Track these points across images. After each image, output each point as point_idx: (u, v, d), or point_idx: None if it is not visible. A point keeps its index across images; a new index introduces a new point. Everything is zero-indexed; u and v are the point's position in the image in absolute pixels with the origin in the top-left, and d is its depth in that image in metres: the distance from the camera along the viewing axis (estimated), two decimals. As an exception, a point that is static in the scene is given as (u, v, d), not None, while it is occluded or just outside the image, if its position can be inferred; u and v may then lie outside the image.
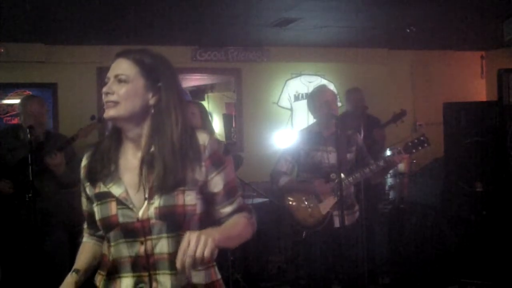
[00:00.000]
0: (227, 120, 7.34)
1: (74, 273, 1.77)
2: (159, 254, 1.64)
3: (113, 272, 1.70)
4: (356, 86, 5.33)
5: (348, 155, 3.65)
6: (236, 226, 1.72)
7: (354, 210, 3.69)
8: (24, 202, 3.67)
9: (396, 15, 4.87)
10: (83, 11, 4.35)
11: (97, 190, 1.70)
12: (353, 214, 3.66)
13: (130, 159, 1.72)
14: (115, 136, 1.74)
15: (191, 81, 7.60)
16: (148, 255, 1.64)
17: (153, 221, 1.63)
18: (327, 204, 3.57)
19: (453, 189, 4.96)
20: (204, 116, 3.85)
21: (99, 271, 1.79)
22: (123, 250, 1.66)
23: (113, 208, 1.66)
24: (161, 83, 1.69)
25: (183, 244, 1.48)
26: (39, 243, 3.63)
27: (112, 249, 1.69)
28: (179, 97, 1.73)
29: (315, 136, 3.69)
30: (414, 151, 3.60)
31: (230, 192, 1.74)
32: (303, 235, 3.65)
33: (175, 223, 1.63)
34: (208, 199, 1.72)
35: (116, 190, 1.67)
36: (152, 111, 1.68)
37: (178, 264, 1.47)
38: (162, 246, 1.64)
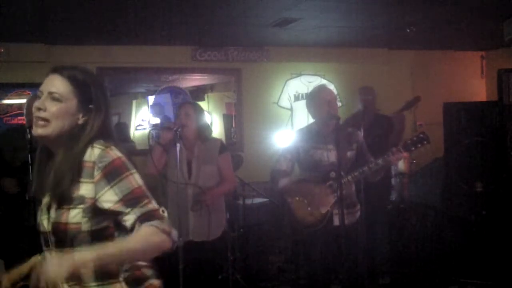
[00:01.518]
0: (227, 120, 7.35)
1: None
2: None
3: None
4: (367, 85, 5.26)
5: (349, 153, 3.64)
6: (132, 240, 1.61)
7: (355, 209, 3.68)
8: (28, 202, 3.67)
9: (396, 15, 4.87)
10: (83, 11, 4.35)
11: (38, 197, 1.80)
12: (353, 213, 3.65)
13: None
14: (44, 151, 1.78)
15: (191, 81, 7.61)
16: None
17: (50, 234, 1.71)
18: (327, 203, 3.56)
19: (453, 189, 4.97)
20: (199, 116, 3.87)
21: None
22: (45, 256, 1.77)
23: (38, 216, 1.77)
24: (92, 104, 1.72)
25: (34, 276, 1.57)
26: (38, 243, 3.63)
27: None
28: (105, 116, 1.75)
29: (314, 135, 3.69)
30: (413, 148, 3.58)
31: (129, 202, 1.65)
32: (303, 234, 3.65)
33: (60, 239, 1.67)
34: (105, 214, 1.67)
35: (44, 199, 1.75)
36: (76, 130, 1.71)
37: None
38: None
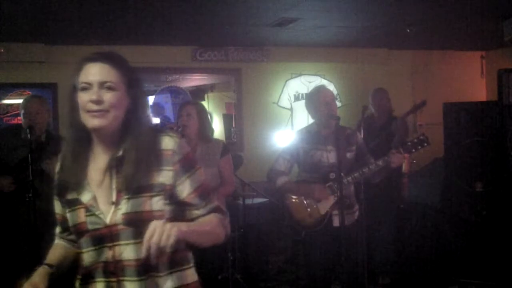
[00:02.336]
0: (227, 120, 7.35)
1: (46, 266, 1.77)
2: (126, 260, 1.63)
3: (88, 277, 1.71)
4: (380, 87, 5.26)
5: (348, 154, 3.64)
6: (206, 224, 1.71)
7: (354, 210, 3.68)
8: (23, 202, 3.67)
9: (396, 15, 4.87)
10: (83, 11, 4.35)
11: (68, 197, 1.71)
12: (352, 214, 3.65)
13: (99, 164, 1.70)
14: (85, 140, 1.71)
15: (191, 81, 7.61)
16: (116, 260, 1.64)
17: (120, 227, 1.63)
18: (326, 204, 3.56)
19: (453, 189, 4.96)
20: (203, 116, 3.85)
21: (77, 275, 1.78)
22: (94, 256, 1.67)
23: (81, 215, 1.67)
24: (134, 88, 1.70)
25: (148, 232, 1.49)
26: (37, 242, 3.63)
27: (84, 255, 1.70)
28: (145, 98, 1.80)
29: (314, 135, 3.69)
30: (413, 150, 3.59)
31: (201, 195, 1.72)
32: (303, 234, 3.65)
33: (142, 229, 1.56)
34: (178, 203, 1.70)
35: (84, 196, 1.67)
36: (129, 116, 1.69)
37: (144, 252, 1.49)
38: (130, 252, 1.63)
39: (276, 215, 5.26)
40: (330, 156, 3.61)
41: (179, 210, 1.70)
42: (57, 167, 1.78)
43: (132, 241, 1.63)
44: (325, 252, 3.64)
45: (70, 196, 1.70)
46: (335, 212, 3.54)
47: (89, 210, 1.66)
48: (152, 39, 5.61)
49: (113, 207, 1.64)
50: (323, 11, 4.65)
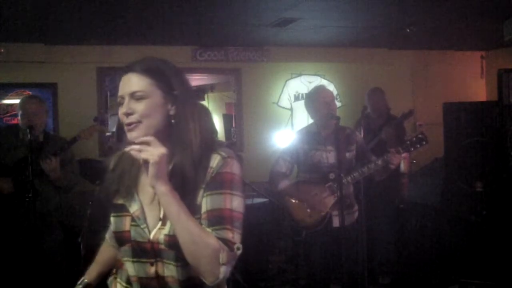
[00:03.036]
0: (227, 120, 7.35)
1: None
2: (170, 277, 1.57)
3: (129, 285, 1.67)
4: (376, 86, 5.26)
5: (348, 154, 3.64)
6: (200, 227, 1.49)
7: (353, 210, 3.68)
8: (23, 202, 3.67)
9: (396, 15, 4.87)
10: (83, 11, 4.35)
11: (115, 201, 1.65)
12: (352, 214, 3.65)
13: None
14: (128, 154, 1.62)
15: (191, 81, 7.59)
16: (159, 276, 1.57)
17: (162, 246, 1.54)
18: (326, 204, 3.56)
19: (453, 189, 4.96)
20: (205, 117, 3.85)
21: (114, 274, 1.75)
22: (137, 268, 1.60)
23: (127, 223, 1.60)
24: (176, 90, 1.58)
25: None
26: (37, 243, 3.63)
27: (127, 264, 1.64)
28: (195, 103, 1.66)
29: (313, 136, 3.69)
30: (412, 149, 3.59)
31: (213, 220, 1.51)
32: (303, 235, 3.65)
33: (181, 253, 1.49)
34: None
35: (132, 206, 1.61)
36: (173, 121, 1.57)
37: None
38: (172, 271, 1.56)
39: (276, 215, 5.26)
40: (329, 156, 3.61)
41: None
42: (111, 165, 1.69)
43: (173, 263, 1.55)
44: (325, 252, 3.65)
45: (118, 201, 1.64)
46: (335, 212, 3.54)
47: (134, 221, 1.59)
48: (152, 39, 5.61)
49: (159, 224, 1.56)
50: (323, 11, 4.65)
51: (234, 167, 1.58)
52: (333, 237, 3.55)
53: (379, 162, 3.53)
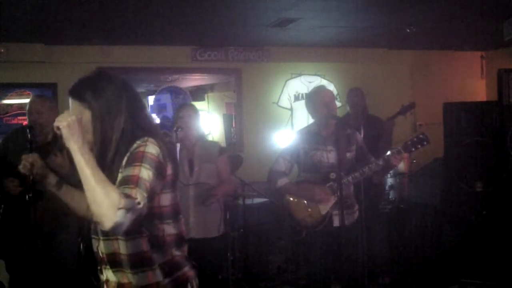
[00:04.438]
0: (227, 120, 7.34)
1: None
2: (102, 253, 1.90)
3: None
4: (356, 86, 5.30)
5: (348, 154, 3.64)
6: (102, 177, 1.66)
7: (354, 210, 3.68)
8: (30, 203, 3.66)
9: (396, 15, 4.87)
10: (83, 11, 4.35)
11: None
12: (352, 214, 3.65)
13: None
14: None
15: (191, 81, 7.61)
16: (98, 251, 1.92)
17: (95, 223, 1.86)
18: (327, 204, 3.57)
19: (453, 189, 4.97)
20: (199, 117, 3.93)
21: None
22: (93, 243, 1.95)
23: None
24: (110, 109, 1.85)
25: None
26: (48, 244, 3.63)
27: None
28: (130, 114, 1.89)
29: (314, 136, 3.69)
30: (413, 149, 3.59)
31: (121, 182, 1.71)
32: (303, 235, 3.65)
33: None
34: None
35: None
36: (111, 135, 1.86)
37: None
38: (102, 246, 1.89)
39: (276, 215, 5.26)
40: (330, 156, 3.61)
41: None
42: None
43: (102, 237, 1.88)
44: (325, 252, 3.64)
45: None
46: (335, 212, 3.54)
47: None
48: (152, 39, 5.61)
49: None
50: (323, 11, 4.65)
51: (148, 147, 1.78)
52: (333, 237, 3.55)
53: (380, 162, 3.54)
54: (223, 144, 6.71)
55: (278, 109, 6.53)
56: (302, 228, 3.64)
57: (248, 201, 5.09)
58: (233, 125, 6.89)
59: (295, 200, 3.66)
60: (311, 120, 3.88)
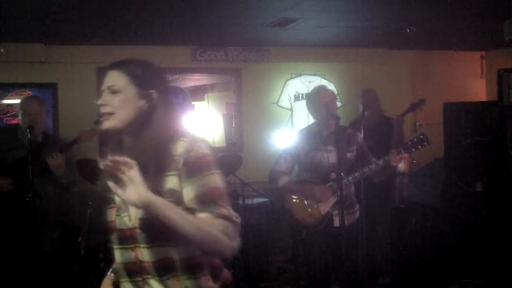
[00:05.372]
0: (227, 120, 7.34)
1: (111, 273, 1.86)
2: (146, 261, 1.69)
3: (118, 277, 1.80)
4: (369, 87, 5.23)
5: (348, 155, 3.65)
6: (203, 222, 1.60)
7: (354, 210, 3.69)
8: (23, 202, 3.67)
9: (396, 15, 4.87)
10: (83, 11, 4.35)
11: (108, 195, 1.77)
12: (353, 214, 3.65)
13: None
14: (116, 145, 1.77)
15: (191, 81, 7.59)
16: (138, 261, 1.70)
17: (138, 230, 1.68)
18: (327, 204, 3.57)
19: (453, 189, 4.96)
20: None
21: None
22: (120, 254, 1.75)
23: (113, 214, 1.76)
24: (152, 90, 1.72)
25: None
26: (36, 243, 3.63)
27: (115, 252, 1.78)
28: (169, 102, 1.78)
29: (314, 136, 3.69)
30: (413, 150, 3.59)
31: (204, 201, 1.64)
32: (303, 235, 3.65)
33: (152, 235, 1.66)
34: (185, 209, 1.65)
35: (116, 197, 1.73)
36: (143, 117, 1.72)
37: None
38: (146, 254, 1.69)
39: (276, 215, 5.26)
40: (330, 157, 3.61)
41: None
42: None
43: (145, 245, 1.68)
44: (325, 252, 3.64)
45: (109, 194, 1.75)
46: (336, 212, 3.54)
47: (118, 211, 1.74)
48: (152, 39, 5.61)
49: (137, 210, 1.68)
50: (323, 11, 4.65)
51: (203, 148, 1.69)
52: (334, 237, 3.55)
53: (380, 162, 3.54)
54: (223, 144, 6.71)
55: (278, 109, 6.53)
56: (302, 228, 3.64)
57: (248, 201, 5.09)
58: (233, 125, 6.89)
59: (296, 200, 3.66)
60: (311, 120, 3.88)
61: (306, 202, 3.62)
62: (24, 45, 5.49)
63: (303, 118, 6.26)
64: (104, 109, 1.70)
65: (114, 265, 1.82)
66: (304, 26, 5.17)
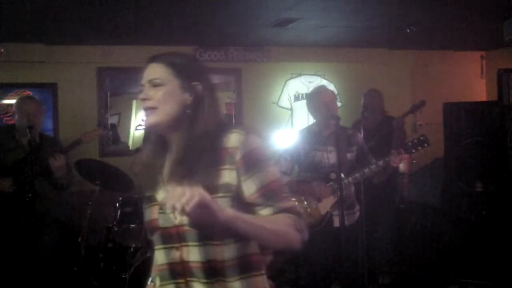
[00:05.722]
0: (227, 120, 7.34)
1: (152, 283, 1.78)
2: (192, 261, 1.58)
3: (160, 279, 1.69)
4: (373, 88, 5.21)
5: (348, 155, 3.65)
6: (272, 221, 1.53)
7: (354, 210, 3.69)
8: (22, 202, 3.67)
9: (396, 15, 4.87)
10: (83, 11, 4.35)
11: (146, 194, 1.71)
12: (353, 214, 3.66)
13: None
14: (159, 142, 1.69)
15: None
16: (183, 261, 1.60)
17: (186, 228, 1.53)
18: (327, 204, 3.57)
19: (453, 189, 4.96)
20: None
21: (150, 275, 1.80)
22: (164, 254, 1.64)
23: (155, 212, 1.65)
24: (196, 81, 1.64)
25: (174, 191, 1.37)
26: (36, 242, 3.64)
27: (156, 253, 1.67)
28: (214, 94, 1.70)
29: (315, 136, 3.69)
30: (414, 151, 3.60)
31: (266, 195, 1.56)
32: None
33: (206, 231, 1.53)
34: (244, 204, 1.57)
35: (159, 194, 1.65)
36: (189, 111, 1.63)
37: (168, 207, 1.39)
38: (195, 254, 1.58)
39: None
40: (330, 157, 3.61)
41: (245, 212, 1.54)
42: (139, 162, 1.76)
43: (196, 243, 1.57)
44: (325, 252, 3.65)
45: (148, 193, 1.69)
46: (336, 212, 3.54)
47: (162, 208, 1.62)
48: (152, 39, 5.61)
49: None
50: (323, 11, 4.65)
51: (258, 140, 1.61)
52: (333, 237, 3.55)
53: (381, 163, 3.54)
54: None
55: (278, 109, 6.53)
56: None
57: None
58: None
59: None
60: (311, 120, 3.88)
61: (305, 202, 3.62)
62: (24, 45, 5.49)
63: (303, 118, 6.26)
64: (146, 104, 1.61)
65: (154, 269, 1.72)
66: (304, 26, 5.17)
